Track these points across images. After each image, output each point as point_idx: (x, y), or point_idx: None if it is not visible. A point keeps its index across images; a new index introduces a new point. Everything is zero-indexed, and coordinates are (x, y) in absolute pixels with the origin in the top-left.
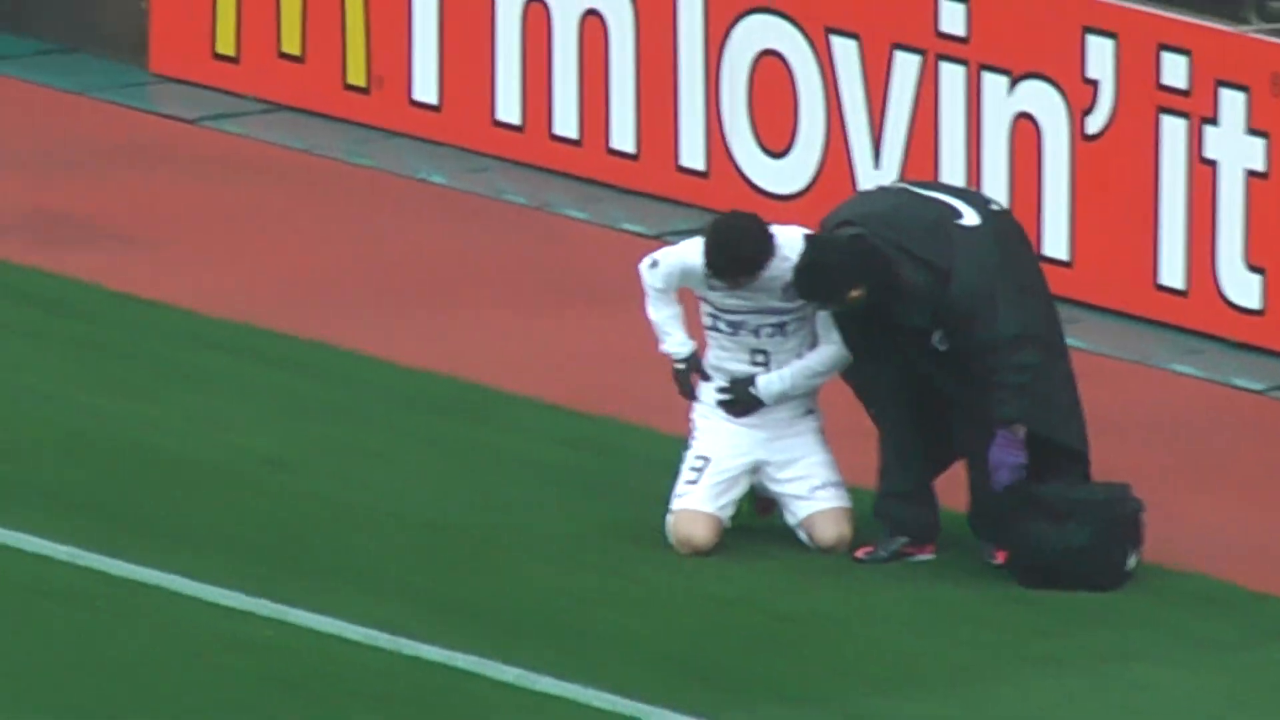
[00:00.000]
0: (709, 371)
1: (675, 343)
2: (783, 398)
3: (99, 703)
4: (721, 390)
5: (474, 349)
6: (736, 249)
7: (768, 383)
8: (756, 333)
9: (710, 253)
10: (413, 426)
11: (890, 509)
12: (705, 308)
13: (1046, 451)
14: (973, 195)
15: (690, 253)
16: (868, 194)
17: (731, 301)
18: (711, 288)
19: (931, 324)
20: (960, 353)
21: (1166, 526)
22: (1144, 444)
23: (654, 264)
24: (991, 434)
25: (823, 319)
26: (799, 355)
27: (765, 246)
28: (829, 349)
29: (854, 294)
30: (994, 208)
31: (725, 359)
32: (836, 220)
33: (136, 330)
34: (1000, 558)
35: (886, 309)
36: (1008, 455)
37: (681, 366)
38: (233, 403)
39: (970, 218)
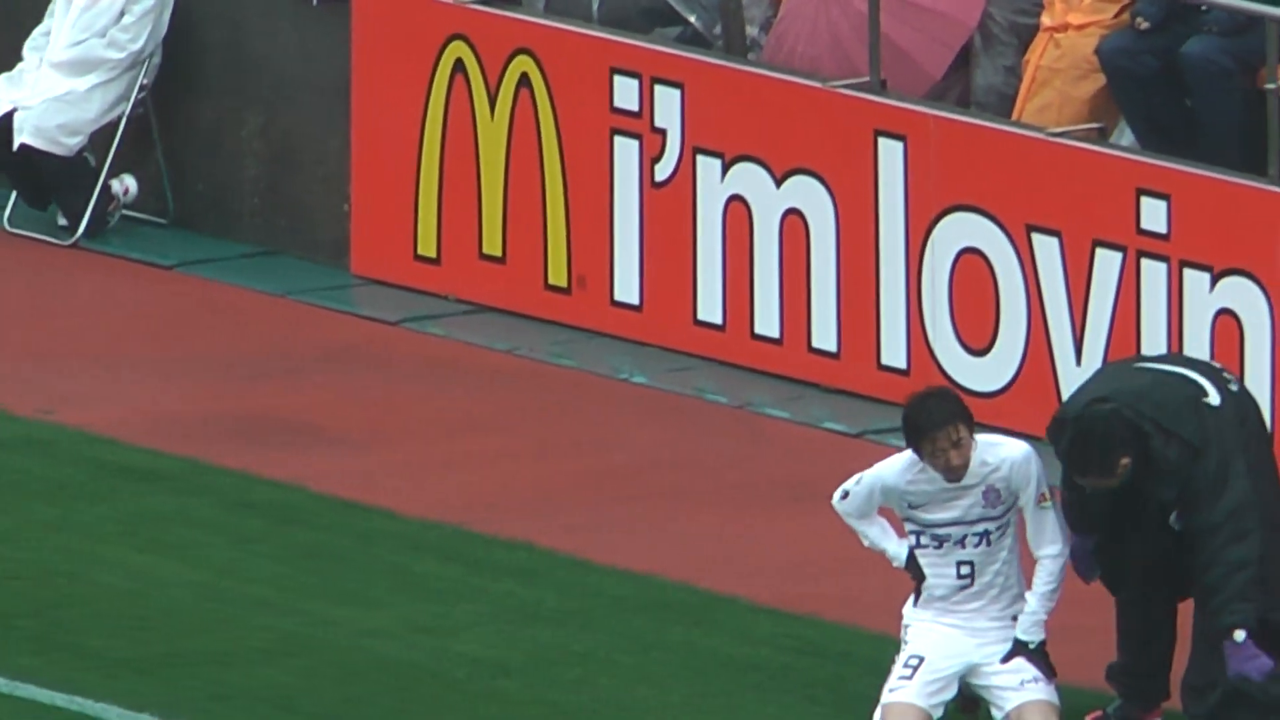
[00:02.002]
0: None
1: (893, 554)
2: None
3: None
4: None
5: (683, 551)
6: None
7: (1033, 630)
8: (963, 543)
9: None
10: (627, 630)
11: (1121, 679)
12: (909, 526)
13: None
14: (1211, 370)
15: (884, 471)
16: (1115, 370)
17: (937, 516)
18: (911, 505)
19: (1176, 502)
20: (1189, 538)
21: None
22: None
23: (844, 495)
24: (1218, 645)
25: (1033, 528)
26: (1006, 564)
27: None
28: (1052, 563)
29: (1123, 462)
30: (1233, 386)
31: (931, 574)
32: (1088, 397)
33: (348, 534)
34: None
35: (1140, 484)
36: (1240, 662)
37: (903, 567)
38: (448, 609)
39: (1214, 397)
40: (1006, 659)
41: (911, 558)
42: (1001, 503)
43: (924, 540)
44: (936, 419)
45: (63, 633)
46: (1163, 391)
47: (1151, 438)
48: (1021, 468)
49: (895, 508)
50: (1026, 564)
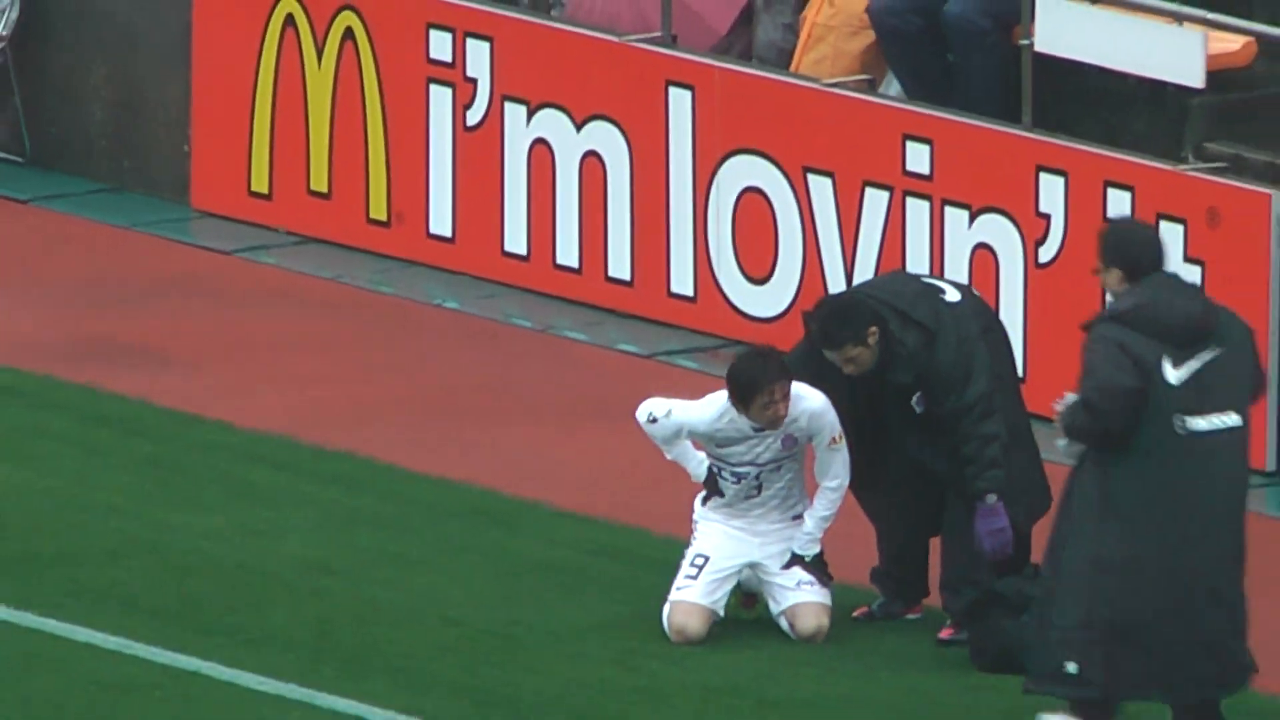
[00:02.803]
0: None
1: (692, 472)
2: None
3: None
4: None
5: (492, 461)
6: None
7: (809, 545)
8: (758, 477)
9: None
10: (439, 532)
11: (883, 580)
12: (712, 460)
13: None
14: (953, 282)
15: (693, 417)
16: (888, 276)
17: (739, 456)
18: (717, 445)
19: (915, 384)
20: (935, 419)
21: None
22: None
23: (652, 419)
24: (970, 509)
25: (820, 463)
26: (791, 482)
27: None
28: (833, 493)
29: (872, 330)
30: (974, 291)
31: (724, 490)
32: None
33: (187, 445)
34: (945, 634)
35: (879, 369)
36: (987, 524)
37: (700, 482)
38: (276, 513)
39: (951, 294)
40: (786, 568)
41: (710, 476)
42: (796, 445)
43: (724, 472)
44: (771, 374)
45: None
46: (899, 284)
47: (889, 321)
48: (819, 418)
49: (701, 444)
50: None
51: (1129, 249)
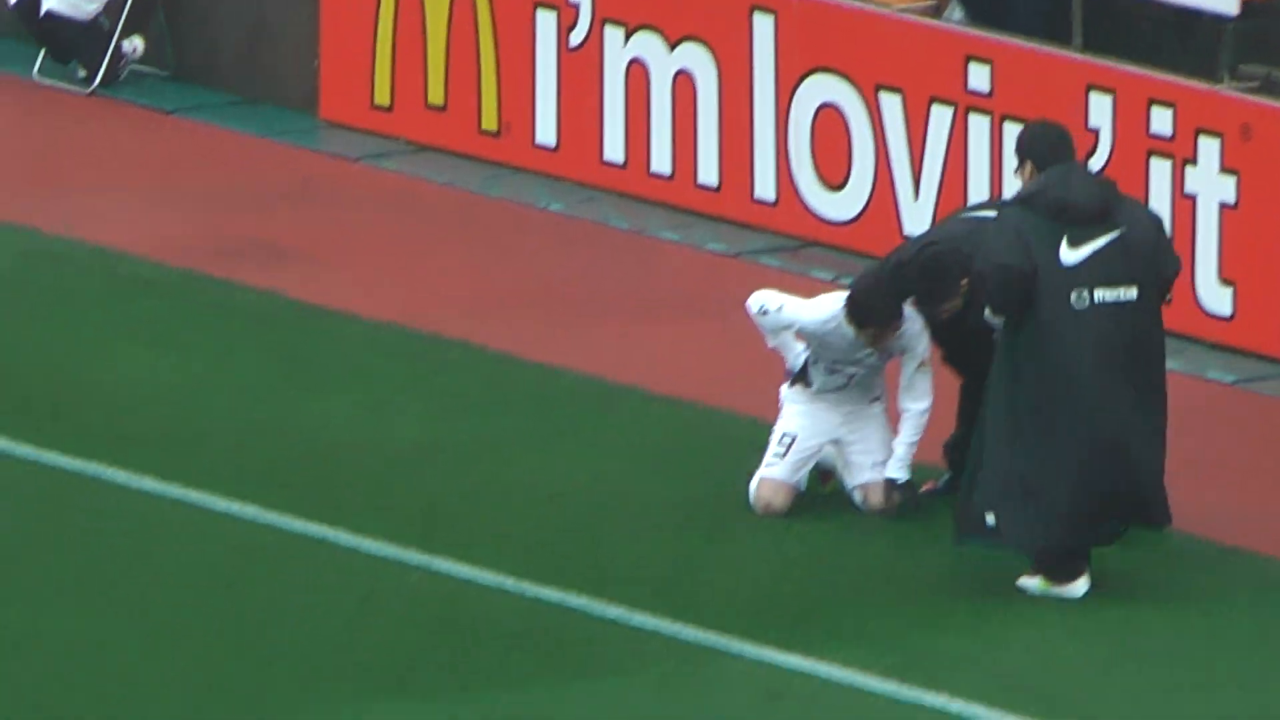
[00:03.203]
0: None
1: (790, 362)
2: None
3: (279, 640)
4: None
5: (591, 351)
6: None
7: (901, 470)
8: (852, 377)
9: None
10: (542, 415)
11: (952, 453)
12: (812, 352)
13: None
14: (985, 203)
15: (806, 317)
16: (946, 222)
17: (839, 357)
18: (821, 345)
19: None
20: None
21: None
22: None
23: (764, 311)
24: None
25: (907, 383)
26: (873, 376)
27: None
28: (919, 417)
29: (964, 283)
30: (1002, 202)
31: (815, 381)
32: (922, 241)
33: (313, 335)
34: (926, 486)
35: (969, 312)
36: None
37: (794, 371)
38: (394, 397)
39: (989, 214)
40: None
41: (803, 366)
42: (891, 356)
43: (819, 365)
44: (889, 313)
45: (79, 412)
46: (957, 228)
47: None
48: (916, 339)
49: (803, 338)
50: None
51: (1037, 145)
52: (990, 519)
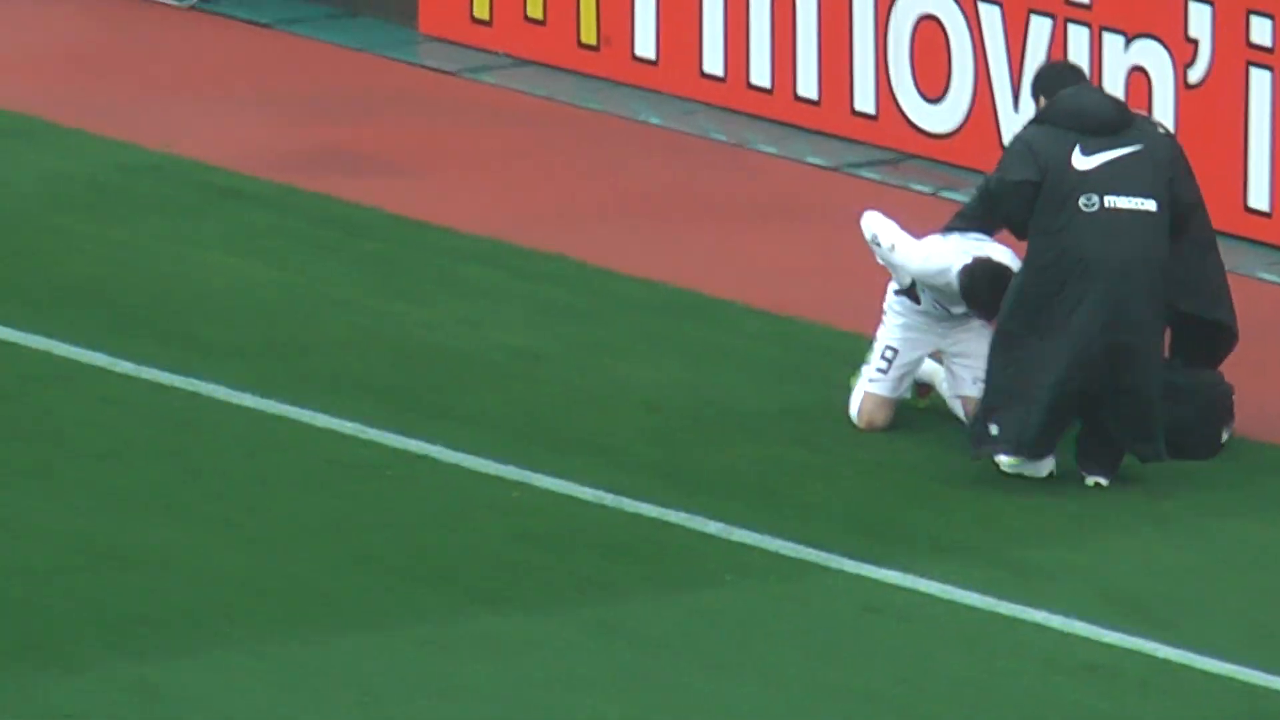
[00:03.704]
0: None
1: (900, 281)
2: None
3: (380, 553)
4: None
5: (689, 261)
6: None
7: None
8: (950, 310)
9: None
10: (640, 325)
11: None
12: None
13: (1203, 329)
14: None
15: (912, 262)
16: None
17: (939, 294)
18: (925, 284)
19: None
20: None
21: (1253, 408)
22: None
23: (875, 242)
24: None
25: None
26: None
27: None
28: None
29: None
30: (1160, 130)
31: (923, 298)
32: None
33: (410, 245)
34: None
35: None
36: None
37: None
38: (491, 306)
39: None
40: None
41: (913, 284)
42: None
43: (925, 293)
44: (990, 309)
45: (177, 324)
46: None
47: None
48: None
49: (921, 286)
50: None
51: (1045, 77)
52: (994, 429)
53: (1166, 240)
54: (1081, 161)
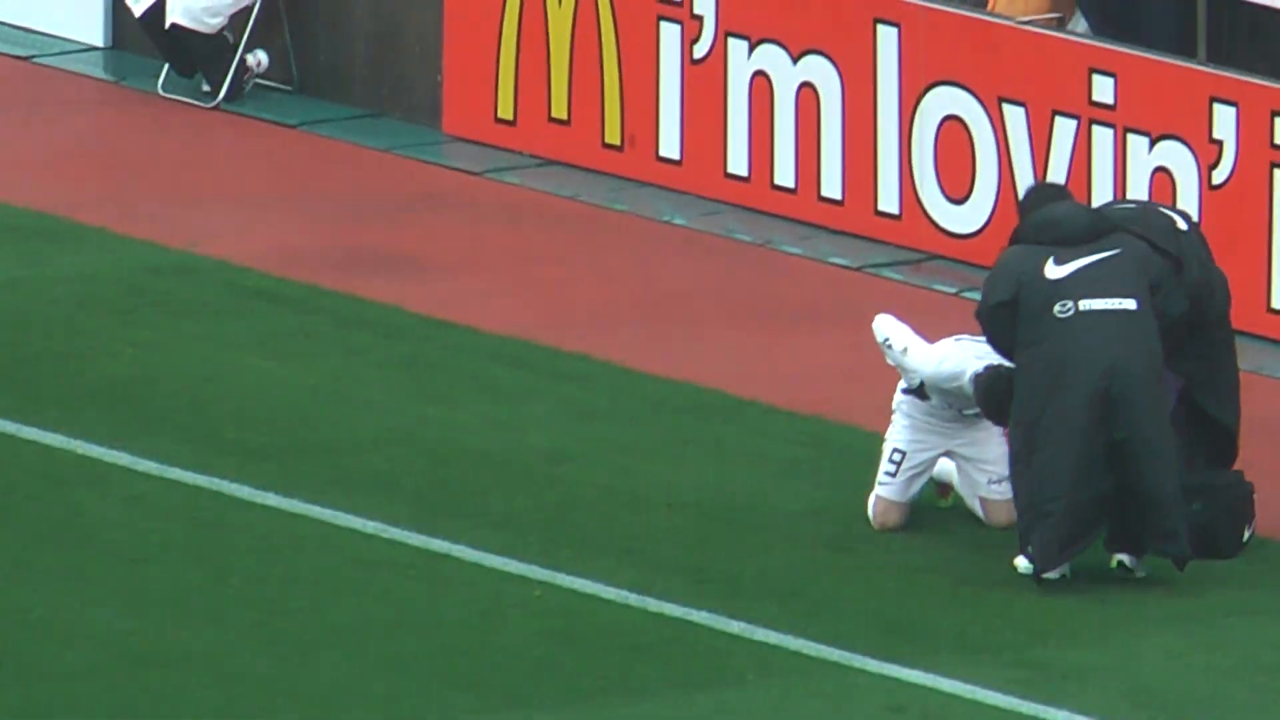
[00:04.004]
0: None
1: (909, 382)
2: None
3: (407, 654)
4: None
5: (714, 362)
6: None
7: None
8: (961, 411)
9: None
10: (666, 426)
11: None
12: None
13: (1210, 430)
14: (1171, 208)
15: (926, 367)
16: (1106, 204)
17: (950, 398)
18: (936, 388)
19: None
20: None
21: (1275, 507)
22: (1257, 440)
23: (887, 345)
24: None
25: None
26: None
27: None
28: None
29: None
30: (1192, 219)
31: (935, 400)
32: (1089, 218)
33: (437, 346)
34: None
35: None
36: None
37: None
38: (518, 407)
39: (1182, 223)
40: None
41: (921, 385)
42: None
43: (934, 397)
44: (1001, 417)
45: (204, 426)
46: (1148, 217)
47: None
48: None
49: (932, 389)
50: None
51: (1030, 199)
52: (1028, 554)
53: (1155, 337)
54: (1054, 271)
